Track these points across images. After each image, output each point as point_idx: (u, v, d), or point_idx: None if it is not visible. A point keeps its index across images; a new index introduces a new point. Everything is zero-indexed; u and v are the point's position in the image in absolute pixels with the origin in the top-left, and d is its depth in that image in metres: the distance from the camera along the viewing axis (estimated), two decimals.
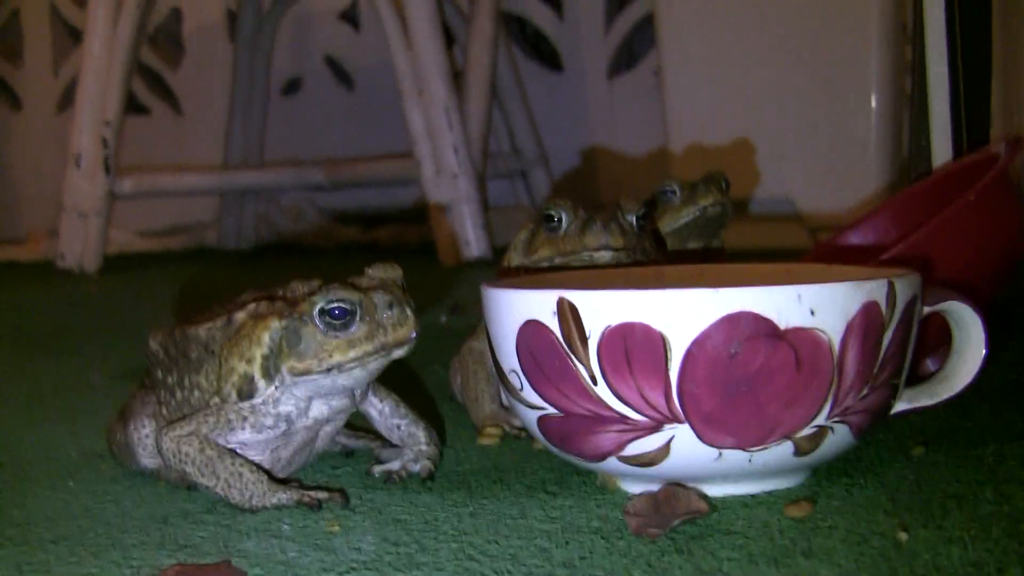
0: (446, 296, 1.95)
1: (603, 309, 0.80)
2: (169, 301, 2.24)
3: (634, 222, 1.08)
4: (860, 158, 2.47)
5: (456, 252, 2.59)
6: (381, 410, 0.96)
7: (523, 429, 1.05)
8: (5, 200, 3.83)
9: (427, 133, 2.61)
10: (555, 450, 0.88)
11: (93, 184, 2.71)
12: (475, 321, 1.35)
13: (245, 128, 3.26)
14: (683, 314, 0.79)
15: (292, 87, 3.59)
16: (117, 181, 2.74)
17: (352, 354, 0.86)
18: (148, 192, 2.83)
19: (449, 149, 2.60)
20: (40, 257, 3.21)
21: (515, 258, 1.11)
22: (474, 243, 2.59)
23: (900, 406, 0.90)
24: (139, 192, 2.80)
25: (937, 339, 1.01)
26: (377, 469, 0.95)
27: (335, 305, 0.86)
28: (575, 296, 0.81)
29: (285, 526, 0.83)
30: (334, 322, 0.86)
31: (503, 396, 1.06)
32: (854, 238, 1.25)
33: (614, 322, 0.80)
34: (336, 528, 0.82)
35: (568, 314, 0.81)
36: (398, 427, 0.96)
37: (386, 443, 0.99)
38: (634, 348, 0.80)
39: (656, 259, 1.09)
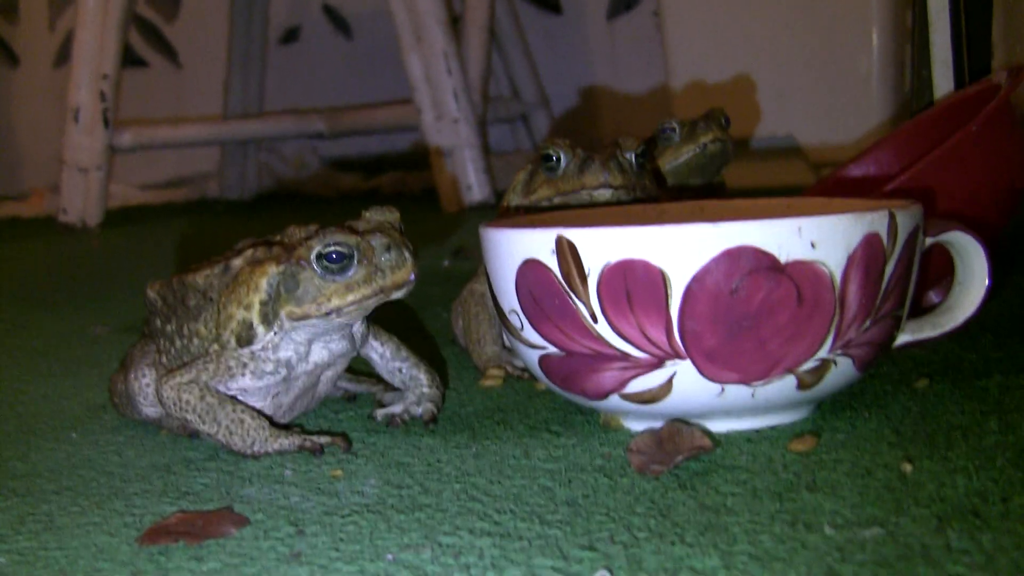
0: (448, 241, 1.95)
1: (602, 246, 0.79)
2: (171, 253, 2.23)
3: (633, 160, 1.07)
4: (862, 93, 2.46)
5: (458, 197, 2.59)
6: (382, 354, 0.95)
7: (525, 370, 1.05)
8: (6, 157, 3.82)
9: (426, 79, 2.59)
10: (557, 390, 0.87)
11: (92, 138, 2.71)
12: (477, 265, 1.35)
13: (244, 79, 3.25)
14: (682, 250, 0.78)
15: (290, 36, 3.57)
16: (116, 135, 2.73)
17: (350, 298, 0.85)
18: (148, 145, 2.82)
19: (449, 94, 2.58)
20: (42, 213, 3.21)
21: (514, 199, 1.11)
22: (476, 187, 2.58)
23: (903, 338, 0.89)
24: (139, 145, 2.79)
25: (940, 271, 1.01)
26: (379, 413, 0.95)
27: (332, 249, 0.85)
28: (574, 234, 0.80)
29: (287, 472, 0.83)
30: (332, 266, 0.85)
31: (504, 337, 1.05)
32: (856, 172, 1.24)
33: (613, 259, 0.79)
34: (339, 473, 0.82)
35: (567, 252, 0.80)
36: (400, 370, 0.95)
37: (388, 387, 0.99)
38: (634, 285, 0.79)
39: (656, 196, 1.08)
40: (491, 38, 2.97)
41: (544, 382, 0.88)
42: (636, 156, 1.07)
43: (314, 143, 3.24)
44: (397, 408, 0.94)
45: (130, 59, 3.28)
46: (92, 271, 2.06)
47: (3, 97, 3.87)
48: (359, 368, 1.01)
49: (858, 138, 2.41)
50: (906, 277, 0.84)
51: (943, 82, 1.57)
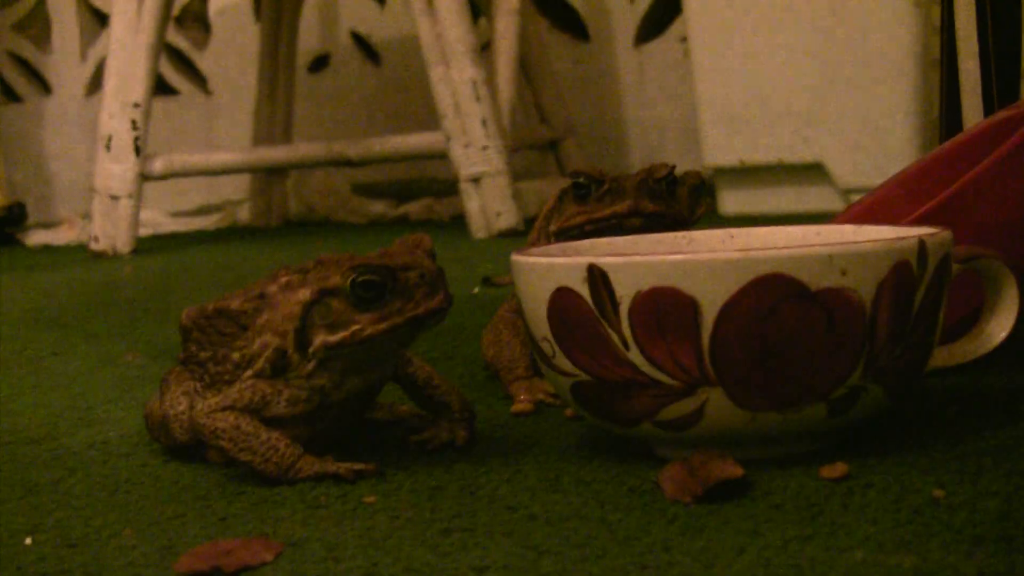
0: (478, 268, 1.95)
1: (633, 275, 0.80)
2: (203, 281, 2.25)
3: (663, 186, 1.08)
4: (890, 120, 2.46)
5: (487, 224, 2.59)
6: (415, 381, 0.96)
7: (556, 396, 1.05)
8: (38, 185, 3.85)
9: (455, 107, 2.61)
10: (589, 416, 0.88)
11: (123, 166, 2.73)
12: (507, 292, 1.35)
13: (273, 106, 3.27)
14: (713, 278, 0.79)
15: (319, 64, 3.59)
16: (147, 162, 2.75)
17: (384, 327, 0.86)
18: (178, 172, 2.84)
19: (477, 122, 2.60)
20: (73, 240, 3.23)
21: (544, 227, 1.12)
22: (504, 214, 2.59)
23: (934, 365, 0.90)
24: (169, 172, 2.81)
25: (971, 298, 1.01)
26: (412, 439, 0.95)
27: (366, 278, 0.86)
28: (605, 263, 0.81)
29: (322, 499, 0.84)
30: (365, 295, 0.86)
31: (536, 364, 1.06)
32: (885, 199, 1.24)
33: (644, 288, 0.80)
34: (372, 499, 0.83)
35: (599, 281, 0.81)
36: (432, 398, 0.96)
37: (420, 414, 0.99)
38: (665, 313, 0.80)
39: (686, 223, 1.09)
40: (519, 65, 2.99)
41: (576, 409, 0.89)
42: (667, 182, 1.08)
43: (343, 170, 3.25)
44: (430, 435, 0.95)
45: (160, 87, 3.30)
46: (124, 298, 2.08)
47: (35, 125, 3.90)
48: (391, 395, 1.02)
49: (886, 164, 2.41)
50: (936, 304, 0.85)
51: (972, 110, 1.57)
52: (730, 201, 2.63)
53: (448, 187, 2.93)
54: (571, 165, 3.12)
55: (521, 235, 2.54)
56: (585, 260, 0.82)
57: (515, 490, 0.83)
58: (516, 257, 0.88)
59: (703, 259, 0.79)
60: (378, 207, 3.29)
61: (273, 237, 3.05)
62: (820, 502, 0.76)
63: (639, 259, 0.81)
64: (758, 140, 2.57)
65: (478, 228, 2.60)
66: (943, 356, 0.91)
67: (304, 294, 0.88)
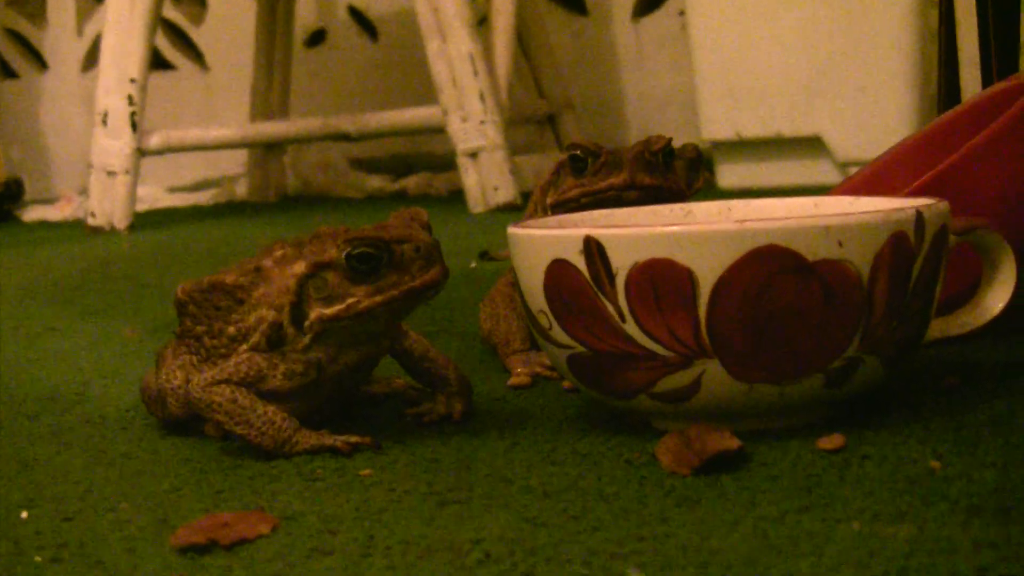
0: (475, 242, 1.95)
1: (630, 247, 0.80)
2: (200, 256, 2.25)
3: (660, 159, 1.07)
4: (888, 92, 2.45)
5: (484, 198, 2.59)
6: (411, 354, 0.96)
7: (553, 369, 1.05)
8: (35, 161, 3.84)
9: (452, 81, 2.60)
10: (586, 389, 0.88)
11: (120, 142, 2.72)
12: (504, 265, 1.35)
13: (270, 81, 3.26)
14: (709, 250, 0.79)
15: (316, 39, 3.58)
16: (144, 138, 2.75)
17: (380, 299, 0.86)
18: (175, 147, 2.83)
19: (475, 97, 2.59)
20: (70, 216, 3.23)
21: (541, 200, 1.11)
22: (502, 189, 2.58)
23: (931, 336, 0.90)
24: (166, 148, 2.81)
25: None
26: (409, 412, 0.95)
27: (362, 251, 0.86)
28: (601, 235, 0.81)
29: (318, 472, 0.83)
30: (361, 268, 0.86)
31: (533, 337, 1.06)
32: (882, 170, 1.24)
33: (641, 259, 0.80)
34: (369, 472, 0.83)
35: (595, 253, 0.81)
36: (429, 371, 0.96)
37: (417, 387, 0.99)
38: (661, 285, 0.80)
39: (683, 196, 1.08)
40: (517, 39, 2.98)
41: (572, 381, 0.89)
42: (663, 155, 1.07)
43: (340, 145, 3.25)
44: (427, 408, 0.95)
45: (157, 62, 3.29)
46: (122, 274, 2.08)
47: (32, 101, 3.89)
48: (388, 369, 1.01)
49: (884, 138, 2.41)
50: (934, 275, 0.85)
51: (970, 81, 1.57)
52: (728, 175, 2.63)
53: (446, 161, 2.92)
54: (569, 139, 3.12)
55: (518, 209, 2.53)
56: (581, 232, 0.81)
57: (511, 462, 0.83)
58: (512, 229, 0.88)
59: (700, 230, 0.79)
60: (375, 182, 3.28)
61: (270, 212, 3.04)
62: (817, 474, 0.76)
63: (636, 231, 0.81)
64: (756, 113, 2.57)
65: (475, 202, 2.60)
66: (940, 328, 0.91)
67: (300, 267, 0.88)
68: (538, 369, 1.06)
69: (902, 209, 0.82)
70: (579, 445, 0.86)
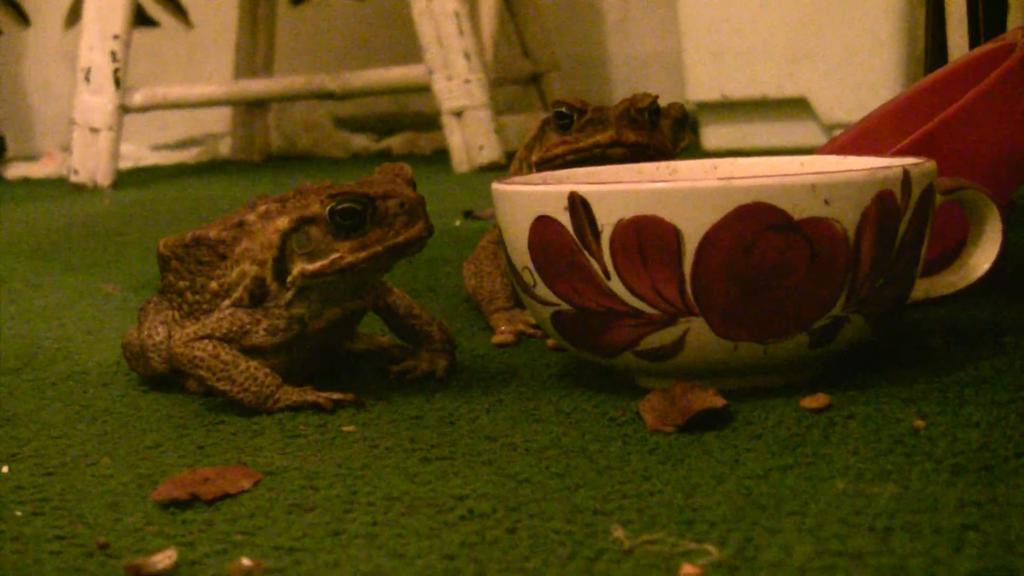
0: (460, 202, 1.94)
1: (615, 203, 0.79)
2: (184, 213, 2.24)
3: (646, 117, 1.07)
4: (875, 54, 2.44)
5: (469, 158, 2.58)
6: (395, 311, 0.95)
7: (537, 327, 1.05)
8: (17, 118, 3.81)
9: (437, 40, 2.59)
10: (570, 347, 0.87)
11: (103, 98, 2.70)
12: (488, 224, 1.34)
13: (255, 38, 3.24)
14: (695, 207, 0.78)
15: None
16: (127, 94, 2.73)
17: (363, 255, 0.86)
18: (159, 104, 2.81)
19: (460, 55, 2.58)
20: (53, 173, 3.21)
21: (526, 157, 1.11)
22: (487, 148, 2.57)
23: (916, 296, 0.89)
24: (150, 105, 2.79)
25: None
26: (392, 369, 0.95)
27: (345, 206, 0.85)
28: (587, 191, 0.80)
29: (300, 428, 0.83)
30: (344, 223, 0.85)
31: (517, 295, 1.05)
32: (868, 131, 1.23)
33: (626, 216, 0.79)
34: (351, 428, 0.82)
35: (580, 209, 0.80)
36: (413, 328, 0.96)
37: (401, 344, 0.99)
38: (647, 242, 0.79)
39: (668, 154, 1.08)
40: None
41: (557, 339, 0.88)
42: (650, 112, 1.07)
43: (325, 104, 3.23)
44: (410, 365, 0.95)
45: (141, 19, 3.27)
46: (104, 230, 2.06)
47: (14, 58, 3.86)
48: (371, 325, 1.01)
49: (870, 99, 2.40)
50: (920, 235, 0.84)
51: (958, 43, 1.56)
52: (714, 136, 2.62)
53: (430, 120, 2.90)
54: (554, 99, 3.11)
55: (503, 169, 2.53)
56: (566, 188, 0.81)
57: (495, 420, 0.82)
58: (497, 185, 0.87)
59: (686, 187, 0.79)
60: (360, 141, 3.27)
61: (254, 171, 3.03)
62: (801, 432, 0.75)
63: (621, 187, 0.81)
64: (742, 75, 2.56)
65: (460, 162, 2.59)
66: (925, 288, 0.91)
67: (283, 222, 0.87)
68: (522, 327, 1.06)
69: (889, 167, 0.81)
70: (563, 403, 0.85)
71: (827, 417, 0.78)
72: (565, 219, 0.81)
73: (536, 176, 0.97)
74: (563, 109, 1.07)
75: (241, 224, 0.90)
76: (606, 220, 0.80)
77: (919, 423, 0.75)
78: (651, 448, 0.74)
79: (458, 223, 1.75)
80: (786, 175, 0.81)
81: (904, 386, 0.83)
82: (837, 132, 2.43)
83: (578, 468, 0.72)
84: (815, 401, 0.80)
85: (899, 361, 0.90)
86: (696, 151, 2.54)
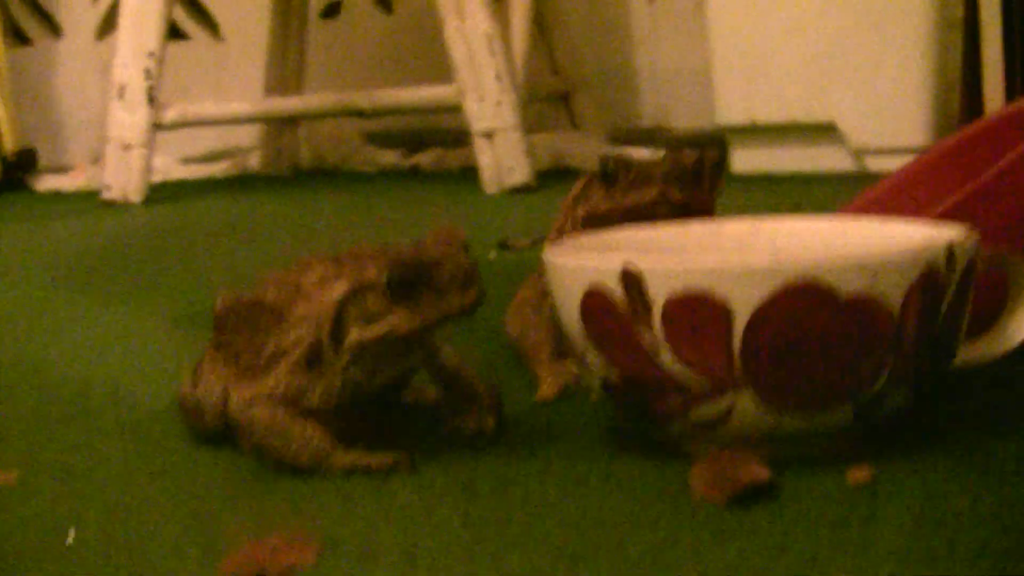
0: (493, 228, 1.96)
1: (667, 279, 0.81)
2: (220, 233, 2.25)
3: (690, 173, 1.08)
4: (904, 82, 2.46)
5: (499, 179, 2.60)
6: (445, 369, 0.97)
7: (583, 380, 1.06)
8: (48, 128, 3.84)
9: (469, 60, 2.60)
10: (619, 415, 0.89)
11: (136, 116, 2.73)
12: (523, 255, 1.35)
13: (285, 52, 3.26)
14: (746, 284, 0.80)
15: (331, 11, 3.58)
16: (160, 111, 2.75)
17: (417, 322, 0.87)
18: (191, 122, 2.84)
19: (491, 76, 2.59)
20: (84, 187, 3.23)
21: (571, 211, 1.12)
22: (517, 170, 2.59)
23: (958, 363, 0.91)
24: (182, 122, 2.81)
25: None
26: (442, 429, 0.97)
27: (401, 272, 0.87)
28: (640, 264, 0.82)
29: (356, 492, 0.85)
30: (400, 290, 0.87)
31: (562, 344, 1.06)
32: (905, 184, 1.25)
33: (677, 292, 0.81)
34: (405, 490, 0.84)
35: (632, 283, 0.82)
36: (461, 385, 0.97)
37: (449, 402, 1.00)
38: (698, 317, 0.81)
39: (712, 209, 1.09)
40: (533, 17, 2.98)
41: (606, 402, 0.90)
42: (694, 169, 1.08)
43: (354, 119, 3.25)
44: (459, 423, 0.96)
45: (171, 32, 3.29)
46: (140, 253, 2.08)
47: (45, 68, 3.89)
48: (420, 382, 1.03)
49: (899, 126, 2.42)
50: (962, 306, 0.86)
51: (992, 72, 1.58)
52: (742, 160, 2.63)
53: (459, 137, 2.92)
54: (584, 118, 3.12)
55: (533, 191, 2.55)
56: (619, 262, 0.83)
57: (544, 486, 0.84)
58: (549, 258, 0.89)
59: (738, 265, 0.81)
60: (389, 157, 3.29)
61: (284, 186, 3.05)
62: (846, 506, 0.77)
63: (674, 264, 0.82)
64: (771, 99, 2.57)
65: (490, 183, 2.61)
66: (962, 355, 0.92)
67: (340, 289, 0.89)
68: (567, 380, 1.07)
69: (934, 245, 0.83)
70: (612, 467, 0.87)
71: (871, 490, 0.79)
72: (618, 293, 0.83)
73: (585, 239, 0.99)
74: (609, 165, 1.08)
75: (298, 287, 0.91)
76: (657, 294, 0.82)
77: (966, 498, 0.76)
78: (701, 522, 0.76)
79: (492, 255, 1.76)
80: (832, 251, 0.83)
81: (948, 457, 0.85)
82: (865, 157, 2.46)
83: (630, 545, 0.73)
84: (859, 472, 0.82)
85: (942, 429, 0.91)
86: (725, 175, 2.55)
